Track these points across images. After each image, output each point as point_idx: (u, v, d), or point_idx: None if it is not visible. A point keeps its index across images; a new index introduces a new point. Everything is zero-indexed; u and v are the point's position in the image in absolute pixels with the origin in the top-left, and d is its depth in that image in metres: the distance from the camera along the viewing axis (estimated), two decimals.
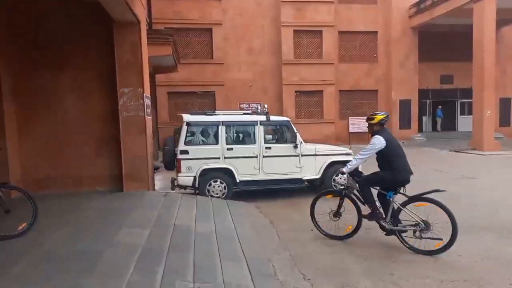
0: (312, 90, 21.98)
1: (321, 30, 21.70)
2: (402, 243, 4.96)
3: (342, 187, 5.38)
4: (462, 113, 24.26)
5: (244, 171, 8.11)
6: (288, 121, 8.44)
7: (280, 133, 8.68)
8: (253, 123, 8.19)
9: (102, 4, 6.51)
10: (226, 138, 8.10)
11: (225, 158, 8.05)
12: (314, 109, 22.32)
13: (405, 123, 22.46)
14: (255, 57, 21.81)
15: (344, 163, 8.29)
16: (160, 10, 18.99)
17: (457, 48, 22.84)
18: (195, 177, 7.93)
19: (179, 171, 7.93)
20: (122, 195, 7.36)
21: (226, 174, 8.07)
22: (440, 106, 23.35)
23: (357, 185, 5.19)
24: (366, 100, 23.19)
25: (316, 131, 20.75)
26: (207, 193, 7.98)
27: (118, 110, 7.70)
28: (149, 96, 8.09)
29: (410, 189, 5.03)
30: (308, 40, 21.93)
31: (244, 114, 8.66)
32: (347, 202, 5.36)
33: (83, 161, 7.80)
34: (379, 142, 4.89)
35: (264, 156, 8.17)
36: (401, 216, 5.02)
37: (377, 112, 5.15)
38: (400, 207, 4.94)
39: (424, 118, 23.99)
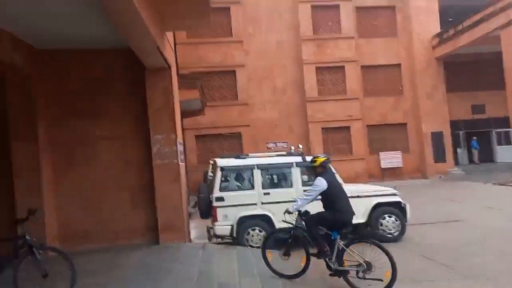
0: (339, 126, 21.54)
1: (344, 66, 21.60)
2: (347, 283, 5.04)
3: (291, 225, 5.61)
4: (499, 143, 23.11)
5: (283, 217, 7.55)
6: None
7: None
8: (289, 165, 7.77)
9: (135, 51, 6.43)
10: (262, 182, 7.68)
11: (262, 203, 7.59)
12: (342, 146, 21.76)
13: (439, 156, 21.52)
14: (279, 96, 21.77)
15: (391, 204, 7.84)
16: (184, 56, 19.35)
17: (486, 76, 22.22)
18: (232, 226, 7.45)
19: (215, 219, 7.49)
20: (158, 248, 6.94)
21: (264, 221, 7.57)
22: (474, 137, 22.37)
23: (304, 224, 5.37)
24: (396, 134, 22.49)
25: (346, 168, 19.96)
26: (246, 242, 7.45)
27: (152, 157, 7.47)
28: (182, 142, 7.85)
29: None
30: (331, 77, 21.81)
31: (278, 155, 8.26)
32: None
33: (119, 213, 7.49)
34: (320, 183, 5.17)
35: None
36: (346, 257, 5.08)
37: (319, 155, 5.49)
38: (344, 247, 5.04)
39: (459, 151, 22.95)
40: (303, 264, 5.42)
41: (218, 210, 7.46)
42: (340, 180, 6.22)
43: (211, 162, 9.08)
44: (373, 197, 7.83)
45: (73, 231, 7.37)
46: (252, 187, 7.64)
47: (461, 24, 19.02)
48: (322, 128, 21.52)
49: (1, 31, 6.04)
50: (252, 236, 7.48)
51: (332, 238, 5.09)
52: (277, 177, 7.97)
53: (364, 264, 4.87)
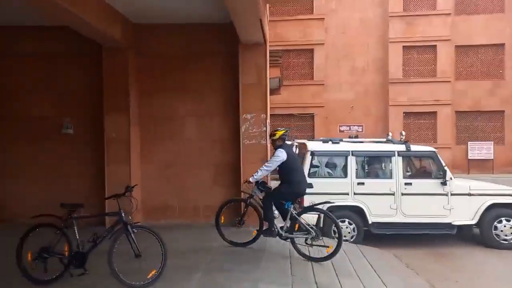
0: (424, 111, 19.76)
1: (435, 45, 19.56)
2: (294, 249, 5.29)
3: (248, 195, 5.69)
4: None
5: (377, 211, 6.83)
6: (434, 151, 6.98)
7: (422, 166, 7.25)
8: (390, 154, 6.92)
9: (235, 25, 5.97)
10: (357, 170, 6.95)
11: (354, 194, 6.88)
12: (425, 133, 19.99)
13: None
14: (357, 76, 20.42)
15: (508, 206, 6.70)
16: None
17: None
18: (319, 215, 6.88)
19: (298, 207, 6.95)
20: (241, 231, 6.60)
21: (356, 213, 6.88)
22: None
23: (260, 195, 5.57)
24: (490, 122, 20.10)
25: None
26: (333, 234, 6.84)
27: (240, 137, 7.10)
28: (269, 122, 7.36)
29: None
30: (420, 57, 19.90)
31: (377, 142, 7.43)
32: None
33: (201, 190, 7.27)
34: (281, 154, 5.26)
35: (403, 194, 6.81)
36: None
37: (278, 128, 5.51)
38: (296, 216, 5.25)
39: None
40: (254, 234, 5.63)
41: (305, 197, 6.89)
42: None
43: (296, 144, 8.54)
44: (488, 196, 6.73)
45: (155, 205, 7.32)
46: (345, 175, 6.96)
47: None
48: (404, 113, 19.90)
49: (101, 4, 5.91)
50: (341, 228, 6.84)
51: (286, 207, 5.29)
52: (374, 166, 7.17)
53: (313, 232, 5.16)
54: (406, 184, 6.81)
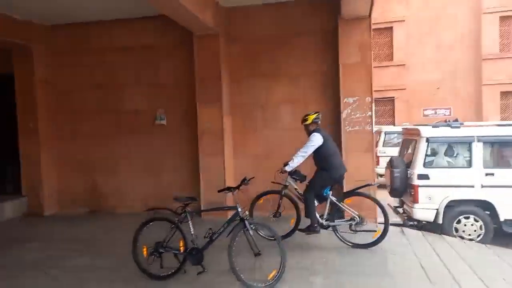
0: None
1: None
2: (339, 238, 5.08)
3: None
4: None
5: (510, 207, 5.76)
6: None
7: None
8: None
9: None
10: (484, 159, 5.92)
11: (482, 186, 5.87)
12: None
13: None
14: (444, 54, 18.42)
15: None
16: None
17: None
18: (437, 210, 6.00)
19: (415, 200, 6.12)
20: (280, 223, 5.98)
21: (484, 208, 5.88)
22: None
23: (295, 185, 5.28)
24: None
25: None
26: (454, 232, 5.94)
27: (341, 123, 6.43)
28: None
29: None
30: None
31: (506, 125, 6.31)
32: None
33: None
34: (316, 139, 4.95)
35: None
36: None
37: (309, 113, 5.18)
38: (337, 202, 5.01)
39: None
40: (291, 225, 5.32)
41: (420, 189, 6.05)
42: None
43: (403, 129, 7.64)
44: None
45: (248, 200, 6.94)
46: (469, 164, 5.96)
47: None
48: (502, 92, 17.62)
49: None
50: (465, 225, 5.91)
51: (324, 194, 5.05)
52: (505, 154, 6.07)
53: (357, 217, 4.99)
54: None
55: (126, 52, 7.34)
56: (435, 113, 18.40)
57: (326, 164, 4.99)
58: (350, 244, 5.05)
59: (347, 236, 5.08)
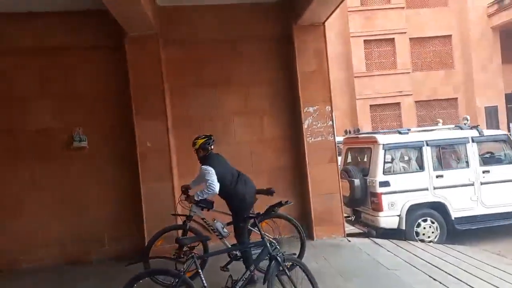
0: (389, 102, 20.19)
1: (393, 38, 20.07)
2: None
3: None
4: None
5: (458, 205, 6.22)
6: (507, 135, 6.60)
7: (488, 152, 6.81)
8: (464, 141, 6.35)
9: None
10: (433, 162, 6.27)
11: (434, 188, 6.19)
12: (392, 124, 20.42)
13: None
14: None
15: None
16: None
17: None
18: (399, 216, 6.08)
19: (379, 209, 6.09)
20: (317, 245, 5.58)
21: (437, 209, 6.20)
22: None
23: (201, 214, 4.43)
24: (446, 110, 21.23)
25: None
26: (415, 236, 6.10)
27: (295, 135, 6.04)
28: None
29: None
30: (380, 50, 20.30)
31: (447, 129, 6.86)
32: None
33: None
34: (208, 170, 4.02)
35: (482, 183, 6.28)
36: None
37: (199, 136, 4.34)
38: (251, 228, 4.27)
39: None
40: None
41: (383, 197, 6.06)
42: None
43: (346, 138, 7.67)
44: None
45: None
46: (421, 168, 6.23)
47: None
48: (371, 105, 20.15)
49: None
50: (424, 228, 6.12)
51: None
52: (449, 156, 6.55)
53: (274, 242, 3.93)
54: (484, 172, 6.29)
55: (27, 55, 5.54)
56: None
57: (233, 192, 4.13)
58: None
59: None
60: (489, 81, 20.32)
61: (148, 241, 4.60)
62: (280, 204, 3.55)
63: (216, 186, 3.98)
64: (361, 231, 6.72)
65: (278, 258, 3.10)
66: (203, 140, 4.23)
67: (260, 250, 3.29)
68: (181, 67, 5.92)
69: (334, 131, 6.00)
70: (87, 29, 5.65)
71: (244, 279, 3.14)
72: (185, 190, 4.42)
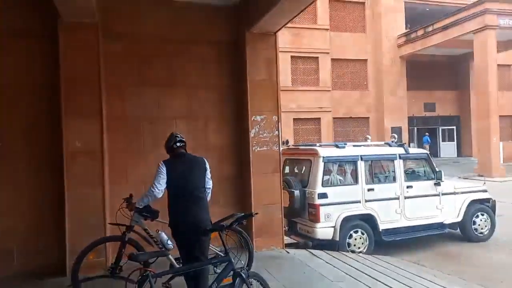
0: (311, 117, 21.21)
1: (318, 57, 21.23)
2: None
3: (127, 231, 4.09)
4: (444, 140, 25.18)
5: (385, 217, 6.64)
6: (427, 153, 7.25)
7: (417, 169, 7.40)
8: (393, 157, 6.83)
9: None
10: (365, 176, 6.62)
11: (365, 201, 6.53)
12: (312, 137, 21.45)
13: None
14: None
15: (482, 201, 7.42)
16: None
17: (439, 77, 23.99)
18: (334, 228, 6.28)
19: (316, 220, 6.21)
20: (258, 257, 5.44)
21: (367, 221, 6.53)
22: (427, 133, 23.97)
23: (144, 225, 4.10)
24: (359, 127, 23.02)
25: None
26: (347, 247, 6.34)
27: (241, 144, 5.93)
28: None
29: None
30: (305, 67, 21.29)
31: (376, 146, 7.28)
32: None
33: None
34: (159, 168, 3.52)
35: (405, 197, 6.80)
36: None
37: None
38: None
39: (411, 145, 24.41)
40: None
41: (321, 208, 6.20)
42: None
43: (283, 149, 7.68)
44: (468, 193, 7.31)
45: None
46: (356, 181, 6.53)
47: (432, 26, 19.97)
48: (294, 119, 20.95)
49: None
50: (355, 239, 6.40)
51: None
52: (379, 171, 6.96)
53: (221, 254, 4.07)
54: (408, 187, 6.82)
55: None
56: None
57: (169, 210, 3.52)
58: None
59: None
60: (396, 104, 22.59)
61: (78, 256, 4.02)
62: (249, 215, 3.33)
63: (158, 188, 3.40)
64: (295, 242, 6.77)
65: (242, 274, 2.90)
66: (165, 142, 3.73)
67: None
68: (121, 63, 5.42)
69: (279, 141, 6.00)
70: (14, 12, 4.87)
71: None
72: (128, 197, 3.96)
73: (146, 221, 4.07)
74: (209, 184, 3.68)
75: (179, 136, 3.70)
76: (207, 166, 3.70)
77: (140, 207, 3.71)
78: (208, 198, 3.69)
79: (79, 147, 4.91)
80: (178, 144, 3.64)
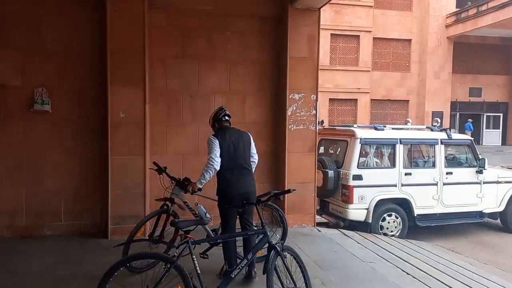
0: (347, 98, 20.76)
1: (359, 35, 20.54)
2: None
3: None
4: (488, 127, 23.94)
5: (421, 203, 6.50)
6: (471, 140, 6.96)
7: (459, 155, 7.15)
8: (434, 142, 6.61)
9: None
10: (404, 160, 6.46)
11: (402, 185, 6.40)
12: (347, 119, 21.07)
13: None
14: None
15: None
16: None
17: (488, 60, 22.60)
18: (367, 210, 6.23)
19: (349, 201, 6.18)
20: (288, 233, 5.54)
21: (402, 205, 6.43)
22: (470, 119, 22.85)
23: (184, 197, 4.03)
24: (397, 110, 22.30)
25: None
26: (379, 230, 6.29)
27: (279, 120, 5.91)
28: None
29: None
30: (345, 45, 20.68)
31: (417, 129, 7.07)
32: None
33: None
34: (210, 142, 3.59)
35: (444, 184, 6.60)
36: None
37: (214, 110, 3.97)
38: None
39: (453, 131, 23.38)
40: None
41: (355, 190, 6.15)
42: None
43: (320, 129, 7.64)
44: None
45: None
46: (393, 165, 6.40)
47: (486, 4, 18.68)
48: (330, 99, 20.58)
49: None
50: (388, 223, 6.33)
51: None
52: (418, 155, 6.79)
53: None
54: (447, 173, 6.61)
55: None
56: None
57: (219, 179, 3.68)
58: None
59: None
60: (440, 88, 21.61)
61: (137, 225, 4.00)
62: (287, 191, 3.37)
63: (216, 160, 3.49)
64: (326, 221, 6.81)
65: (277, 247, 2.97)
66: (213, 114, 3.87)
67: None
68: (163, 35, 5.49)
69: (316, 121, 5.94)
70: None
71: (241, 267, 2.98)
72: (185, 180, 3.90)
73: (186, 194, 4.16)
74: (255, 157, 3.82)
75: (227, 110, 3.81)
76: (252, 140, 3.81)
77: (201, 186, 3.65)
78: (253, 171, 3.79)
79: (123, 117, 5.08)
80: (226, 117, 3.78)
